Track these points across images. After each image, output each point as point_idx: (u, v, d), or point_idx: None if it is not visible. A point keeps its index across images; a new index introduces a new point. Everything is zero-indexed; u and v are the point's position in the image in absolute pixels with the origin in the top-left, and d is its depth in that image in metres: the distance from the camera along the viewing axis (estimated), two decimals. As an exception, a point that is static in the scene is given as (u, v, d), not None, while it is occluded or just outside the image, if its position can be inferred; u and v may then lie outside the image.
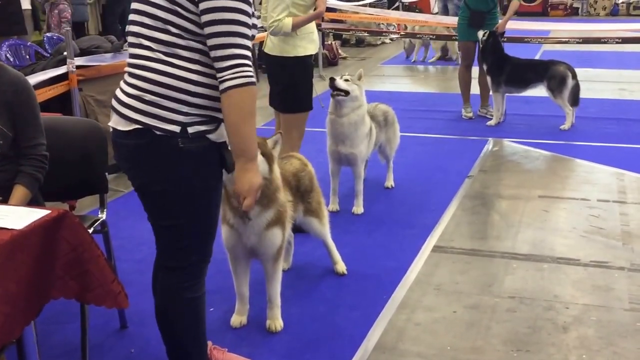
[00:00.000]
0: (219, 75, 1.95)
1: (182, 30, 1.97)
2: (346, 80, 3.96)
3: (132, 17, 2.07)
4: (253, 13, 2.03)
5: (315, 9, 3.85)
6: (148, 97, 1.98)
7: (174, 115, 1.99)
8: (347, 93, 3.94)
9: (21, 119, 2.53)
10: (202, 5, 1.92)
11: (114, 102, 2.09)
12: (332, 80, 3.92)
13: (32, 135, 2.54)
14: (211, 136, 2.04)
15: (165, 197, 2.07)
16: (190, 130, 2.00)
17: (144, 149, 2.02)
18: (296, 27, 3.77)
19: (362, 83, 4.06)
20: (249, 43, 1.98)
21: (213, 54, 1.94)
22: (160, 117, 1.98)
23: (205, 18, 1.92)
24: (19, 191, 2.48)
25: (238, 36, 1.94)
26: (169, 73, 1.98)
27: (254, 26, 2.07)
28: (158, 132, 1.98)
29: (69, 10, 7.84)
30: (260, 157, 2.48)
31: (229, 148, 2.08)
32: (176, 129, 1.98)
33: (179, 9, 1.96)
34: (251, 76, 1.95)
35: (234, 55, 1.93)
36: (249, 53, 1.97)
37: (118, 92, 2.09)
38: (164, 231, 2.15)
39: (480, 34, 6.28)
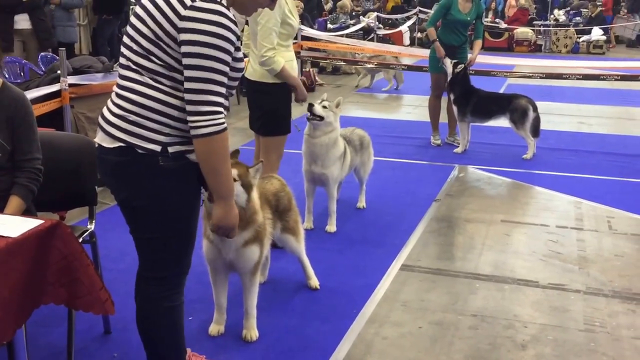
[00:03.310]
0: (192, 118, 2.02)
1: (165, 62, 2.06)
2: (324, 106, 4.13)
3: (124, 39, 2.17)
4: (238, 47, 2.10)
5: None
6: (132, 117, 2.08)
7: (155, 135, 2.07)
8: (322, 118, 4.13)
9: (19, 134, 2.61)
10: (184, 49, 2.01)
11: (101, 120, 2.17)
12: (310, 105, 4.09)
13: (28, 150, 2.63)
14: (191, 156, 2.12)
15: (145, 211, 2.16)
16: (171, 149, 2.09)
17: (126, 166, 2.11)
18: (280, 74, 3.77)
19: (338, 110, 4.23)
20: (223, 90, 2.06)
21: (188, 97, 2.01)
22: (143, 136, 2.07)
23: (186, 61, 2.00)
24: (14, 201, 2.55)
25: (214, 83, 2.02)
26: (153, 97, 2.07)
27: (240, 59, 2.16)
28: (140, 151, 2.08)
29: None
30: (240, 188, 2.62)
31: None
32: (157, 148, 2.08)
33: (162, 44, 2.05)
34: (224, 122, 2.05)
35: (209, 102, 2.01)
36: (223, 100, 2.06)
37: (105, 111, 2.17)
38: (144, 243, 2.24)
39: (448, 62, 6.46)
